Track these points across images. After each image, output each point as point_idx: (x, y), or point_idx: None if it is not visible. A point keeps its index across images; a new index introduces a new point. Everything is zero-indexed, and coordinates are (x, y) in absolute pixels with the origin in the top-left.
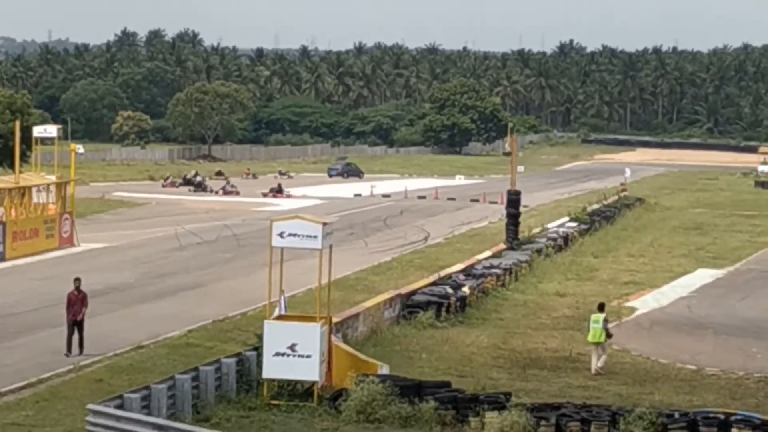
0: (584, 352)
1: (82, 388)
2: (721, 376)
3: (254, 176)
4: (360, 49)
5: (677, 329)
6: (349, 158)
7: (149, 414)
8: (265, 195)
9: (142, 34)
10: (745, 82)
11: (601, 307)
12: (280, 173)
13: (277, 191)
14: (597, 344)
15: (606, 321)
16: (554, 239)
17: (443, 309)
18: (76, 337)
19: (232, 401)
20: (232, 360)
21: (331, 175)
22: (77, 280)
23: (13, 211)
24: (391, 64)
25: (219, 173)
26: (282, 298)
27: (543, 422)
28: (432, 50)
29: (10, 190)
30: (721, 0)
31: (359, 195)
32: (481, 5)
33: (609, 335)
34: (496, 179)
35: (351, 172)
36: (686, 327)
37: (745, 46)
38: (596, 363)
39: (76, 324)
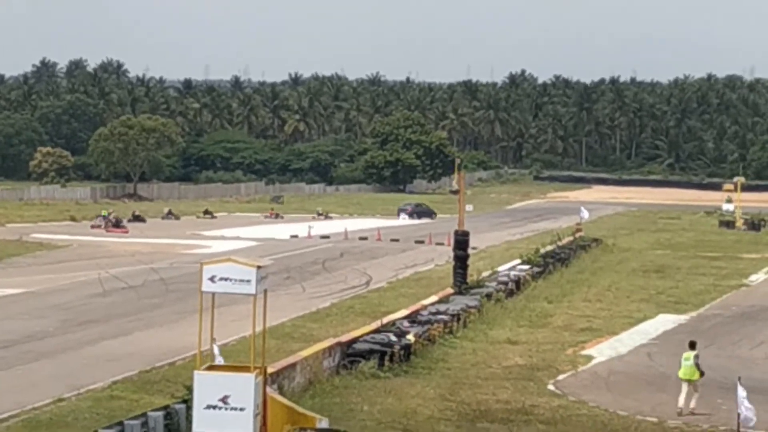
0: (537, 404)
1: None
2: (684, 429)
3: (176, 217)
4: (296, 80)
5: (637, 379)
6: (419, 200)
7: None
8: (94, 227)
9: (63, 64)
10: (708, 114)
11: (692, 345)
12: (205, 213)
13: (114, 225)
14: (688, 381)
15: (697, 357)
16: (505, 283)
17: (386, 358)
18: None
19: None
20: (160, 413)
21: (400, 216)
22: None
23: None
24: (330, 96)
25: (137, 217)
26: (214, 346)
27: None
28: (374, 81)
29: None
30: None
31: (296, 236)
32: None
33: (702, 373)
34: (442, 219)
35: (422, 213)
36: (647, 376)
37: (709, 77)
38: (683, 401)
39: None
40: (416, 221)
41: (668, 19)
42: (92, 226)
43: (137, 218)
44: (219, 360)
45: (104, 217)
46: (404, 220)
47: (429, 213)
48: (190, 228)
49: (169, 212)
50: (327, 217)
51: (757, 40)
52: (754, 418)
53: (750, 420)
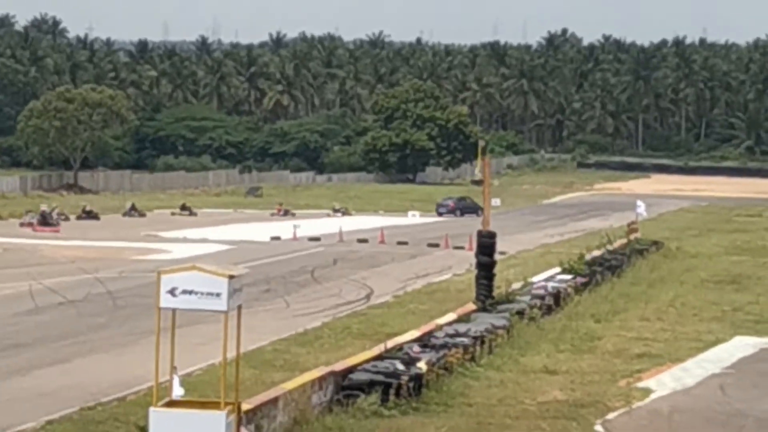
0: None
1: None
2: None
3: (140, 213)
4: (278, 42)
5: (707, 419)
6: (464, 192)
7: None
8: (23, 225)
9: None
10: None
11: None
12: (183, 208)
13: (43, 222)
14: None
15: None
16: (541, 297)
17: (392, 391)
18: None
19: None
20: None
21: (440, 213)
22: None
23: None
24: (321, 62)
25: (89, 213)
26: (174, 377)
27: None
28: (375, 43)
29: None
30: None
31: (278, 238)
32: None
33: None
34: (462, 217)
35: (467, 208)
36: (719, 415)
37: None
38: None
39: None
40: (458, 218)
41: None
42: (22, 224)
43: (89, 214)
44: (180, 394)
45: (43, 212)
46: (414, 217)
47: (475, 209)
48: (158, 227)
49: (132, 207)
50: (345, 214)
51: None
52: None
53: None
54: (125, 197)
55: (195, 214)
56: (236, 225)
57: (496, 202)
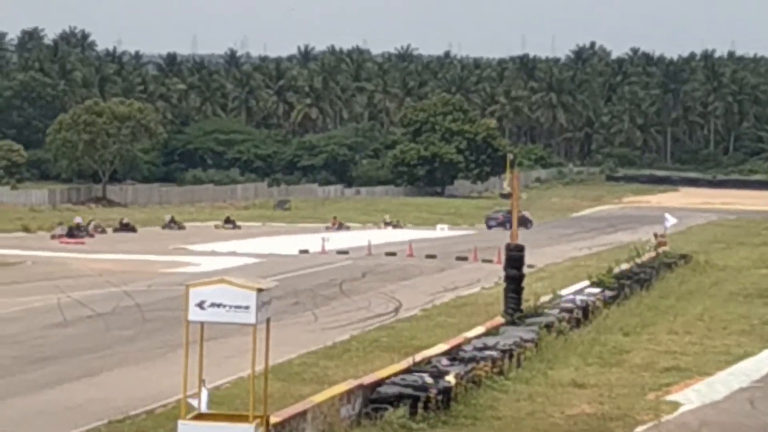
0: None
1: None
2: None
3: (179, 226)
4: (306, 55)
5: None
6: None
7: None
8: (54, 237)
9: (13, 34)
10: None
11: None
12: (227, 221)
13: (69, 234)
14: None
15: None
16: (570, 310)
17: (420, 404)
18: None
19: None
20: None
21: (490, 226)
22: None
23: None
24: (349, 75)
25: (126, 226)
26: (203, 390)
27: None
28: (404, 56)
29: None
30: None
31: (306, 251)
32: None
33: None
34: (490, 230)
35: (518, 220)
36: (748, 429)
37: None
38: None
39: None
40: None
41: None
42: (53, 237)
43: (126, 227)
44: (198, 405)
45: (78, 224)
46: (442, 231)
47: (525, 221)
48: (201, 239)
49: (172, 220)
50: (396, 227)
51: None
52: None
53: None
54: (166, 210)
55: (239, 227)
56: (267, 238)
57: (526, 214)
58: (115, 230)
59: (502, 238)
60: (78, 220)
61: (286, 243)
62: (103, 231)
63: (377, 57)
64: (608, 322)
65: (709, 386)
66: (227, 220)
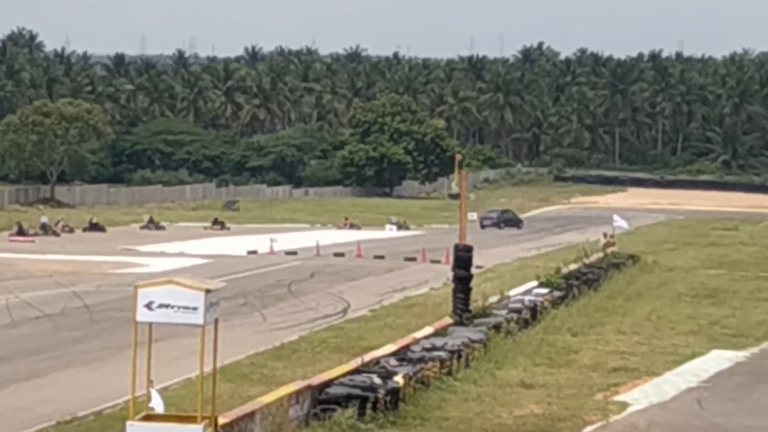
0: None
1: None
2: None
3: (157, 226)
4: (254, 56)
5: None
6: (506, 204)
7: None
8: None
9: None
10: None
11: None
12: (214, 223)
13: (19, 233)
14: None
15: None
16: (518, 311)
17: (368, 405)
18: None
19: None
20: None
21: (483, 226)
22: None
23: None
24: (298, 76)
25: (95, 225)
26: (151, 390)
27: None
28: (352, 57)
29: None
30: None
31: (254, 252)
32: None
33: None
34: (439, 230)
35: (509, 221)
36: (696, 430)
37: None
38: None
39: None
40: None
41: None
42: (12, 236)
43: (95, 227)
44: (158, 407)
45: (43, 225)
46: (391, 231)
47: (516, 222)
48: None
49: (150, 220)
50: (401, 227)
51: None
52: None
53: None
54: (149, 210)
55: (228, 228)
56: (216, 239)
57: (472, 216)
58: (85, 230)
59: (450, 239)
60: (44, 219)
61: (235, 244)
62: (71, 230)
63: (326, 57)
64: (556, 323)
65: (657, 386)
66: (215, 222)
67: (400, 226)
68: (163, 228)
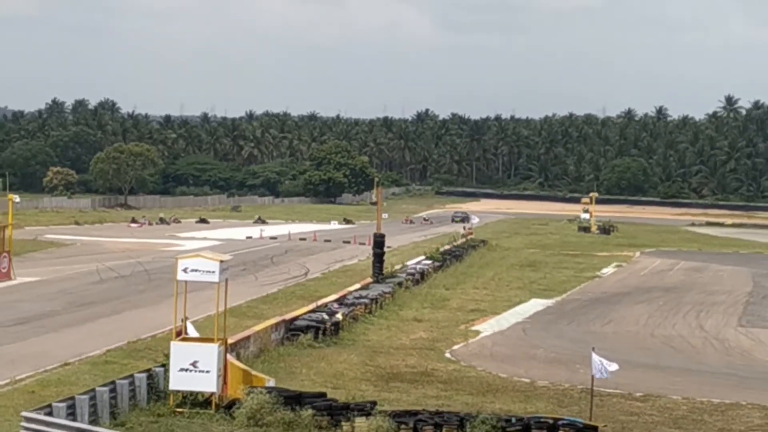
0: (437, 368)
1: (16, 398)
2: (550, 387)
3: (175, 220)
4: (251, 116)
5: (514, 349)
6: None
7: (74, 420)
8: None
9: (69, 102)
10: (570, 144)
11: None
12: (257, 220)
13: (132, 221)
14: None
15: None
16: (413, 274)
17: (320, 332)
18: None
19: (144, 409)
20: (144, 375)
21: (453, 220)
22: None
23: None
24: (278, 129)
25: (203, 220)
26: (186, 323)
27: (403, 426)
28: (312, 117)
29: None
30: (550, 77)
31: (250, 237)
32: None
33: None
34: (364, 224)
35: (464, 218)
36: (522, 347)
37: (570, 115)
38: None
39: None
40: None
41: (537, 72)
42: (129, 224)
43: (203, 221)
44: (192, 333)
45: (161, 218)
46: (335, 225)
47: (468, 218)
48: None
49: (200, 219)
50: (411, 222)
51: (607, 87)
52: (606, 375)
53: (603, 373)
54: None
55: (266, 223)
56: (226, 230)
57: (385, 215)
58: (196, 222)
59: (371, 230)
60: (161, 215)
61: (238, 232)
62: (179, 222)
63: (295, 118)
64: (436, 282)
65: (498, 321)
66: (258, 219)
67: (347, 222)
68: (207, 222)
